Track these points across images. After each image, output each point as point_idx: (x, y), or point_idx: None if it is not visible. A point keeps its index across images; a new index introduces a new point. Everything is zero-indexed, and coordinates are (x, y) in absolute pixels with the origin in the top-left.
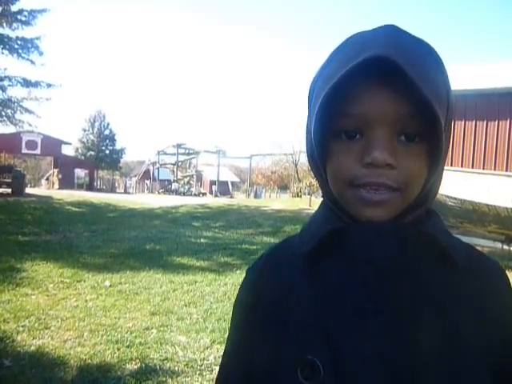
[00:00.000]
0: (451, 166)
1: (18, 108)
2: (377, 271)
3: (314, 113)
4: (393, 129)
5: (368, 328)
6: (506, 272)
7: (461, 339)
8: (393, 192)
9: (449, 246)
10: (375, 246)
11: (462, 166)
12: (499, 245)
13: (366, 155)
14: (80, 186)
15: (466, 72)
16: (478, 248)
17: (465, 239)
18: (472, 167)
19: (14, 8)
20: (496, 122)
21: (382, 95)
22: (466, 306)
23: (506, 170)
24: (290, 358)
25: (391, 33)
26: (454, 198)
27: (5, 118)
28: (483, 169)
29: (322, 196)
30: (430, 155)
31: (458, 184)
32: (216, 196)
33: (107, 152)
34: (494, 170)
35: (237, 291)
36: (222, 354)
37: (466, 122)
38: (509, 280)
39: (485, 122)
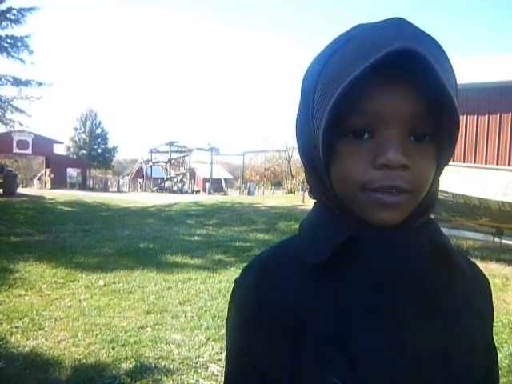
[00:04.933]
0: None
1: (9, 107)
2: (396, 282)
3: (322, 110)
4: (406, 127)
5: (393, 346)
6: (498, 264)
7: (476, 347)
8: (405, 193)
9: (456, 254)
10: (391, 256)
11: (453, 160)
12: (490, 237)
13: (379, 156)
14: (72, 186)
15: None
16: (470, 241)
17: (457, 233)
18: (463, 161)
19: (3, 6)
20: (486, 117)
21: (396, 91)
22: (473, 311)
23: (497, 164)
24: (310, 378)
25: (405, 26)
26: (446, 192)
27: None
28: (474, 162)
29: (314, 197)
30: (438, 154)
31: (450, 178)
32: (209, 193)
33: (99, 151)
34: (485, 163)
35: (231, 288)
36: (217, 351)
37: None
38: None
39: (475, 117)
